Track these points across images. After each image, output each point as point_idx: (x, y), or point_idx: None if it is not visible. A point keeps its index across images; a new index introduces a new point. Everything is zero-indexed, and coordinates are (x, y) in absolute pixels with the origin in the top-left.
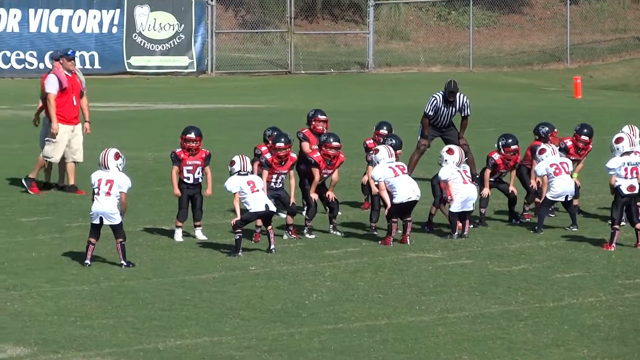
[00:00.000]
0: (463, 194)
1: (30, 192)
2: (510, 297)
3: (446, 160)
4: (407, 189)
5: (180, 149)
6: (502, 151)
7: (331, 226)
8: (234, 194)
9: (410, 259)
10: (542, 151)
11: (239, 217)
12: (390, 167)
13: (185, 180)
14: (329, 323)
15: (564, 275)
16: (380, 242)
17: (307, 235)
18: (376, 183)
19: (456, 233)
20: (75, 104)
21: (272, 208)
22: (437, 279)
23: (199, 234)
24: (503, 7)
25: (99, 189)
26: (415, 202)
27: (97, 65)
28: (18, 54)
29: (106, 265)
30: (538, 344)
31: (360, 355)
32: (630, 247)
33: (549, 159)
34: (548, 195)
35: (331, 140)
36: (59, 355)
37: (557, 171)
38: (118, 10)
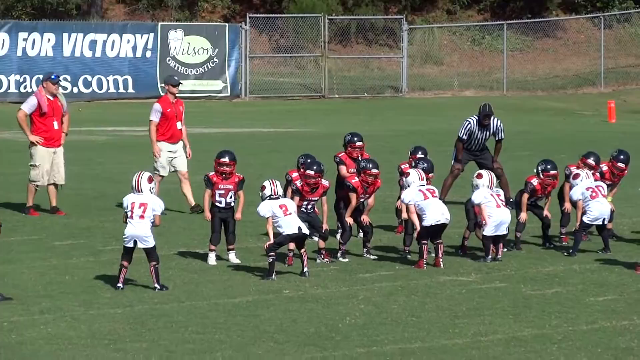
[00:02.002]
0: (497, 218)
1: (30, 216)
2: (544, 321)
3: (477, 185)
4: (436, 212)
5: (214, 173)
6: (541, 176)
7: (365, 250)
8: (267, 218)
9: (444, 282)
10: (577, 176)
11: (272, 241)
12: (420, 190)
13: (217, 204)
14: (363, 346)
15: (597, 298)
16: (414, 265)
17: (341, 259)
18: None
19: (490, 256)
20: (56, 127)
21: (305, 231)
22: (470, 302)
23: (233, 258)
24: (537, 32)
25: (132, 212)
26: (444, 225)
27: (130, 89)
28: None
29: (139, 289)
30: None
31: None
32: None
33: (584, 183)
34: (585, 219)
35: (370, 166)
36: None
37: (594, 194)
38: (152, 35)
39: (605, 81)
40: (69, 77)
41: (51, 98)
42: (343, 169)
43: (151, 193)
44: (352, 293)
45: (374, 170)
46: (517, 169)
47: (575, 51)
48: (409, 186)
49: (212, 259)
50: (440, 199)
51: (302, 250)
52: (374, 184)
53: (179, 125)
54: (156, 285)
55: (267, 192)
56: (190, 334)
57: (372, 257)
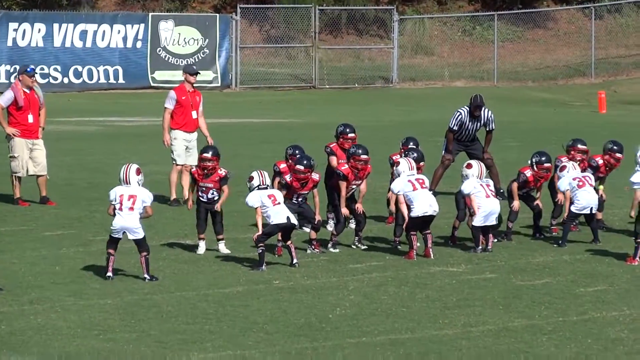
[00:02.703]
0: (486, 208)
1: (20, 206)
2: (534, 311)
3: (466, 175)
4: (424, 204)
5: (196, 168)
6: (535, 168)
7: (356, 239)
8: (256, 208)
9: (434, 273)
10: (563, 168)
11: (261, 232)
12: (409, 180)
13: (200, 198)
14: (353, 337)
15: (587, 289)
16: (404, 256)
17: (332, 250)
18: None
19: (480, 247)
20: (32, 120)
21: (294, 221)
22: (460, 293)
23: (222, 248)
24: (527, 22)
25: (121, 204)
26: (432, 217)
27: (121, 80)
28: (42, 69)
29: (129, 279)
30: (561, 358)
31: None
32: None
33: (570, 174)
34: (572, 209)
35: (360, 152)
36: None
37: (581, 184)
38: (142, 25)
39: (596, 72)
40: (59, 68)
41: (27, 91)
42: (334, 159)
43: (139, 185)
44: (342, 284)
45: (364, 156)
46: (507, 159)
47: (565, 42)
48: (399, 175)
49: (201, 248)
50: (430, 189)
51: (289, 242)
52: (364, 169)
53: (194, 114)
54: (146, 275)
55: (256, 182)
56: (180, 325)
57: (363, 247)
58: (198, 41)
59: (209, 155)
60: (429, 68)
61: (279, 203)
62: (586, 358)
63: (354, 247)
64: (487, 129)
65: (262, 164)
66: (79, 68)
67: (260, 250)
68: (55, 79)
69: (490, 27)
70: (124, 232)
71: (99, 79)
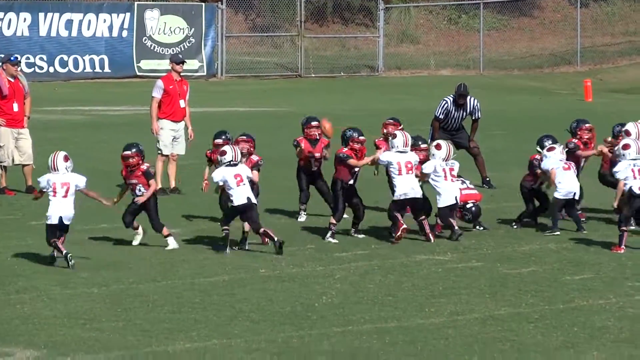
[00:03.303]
0: (445, 189)
1: (6, 195)
2: (520, 299)
3: (433, 155)
4: (405, 186)
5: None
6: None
7: (353, 229)
8: (218, 185)
9: (420, 261)
10: (551, 149)
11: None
12: (398, 162)
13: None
14: (339, 325)
15: (573, 277)
16: (393, 237)
17: (330, 239)
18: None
19: (456, 229)
20: (17, 109)
21: (254, 200)
22: (446, 281)
23: (172, 243)
24: (513, 11)
25: (55, 191)
26: (416, 200)
27: (107, 69)
28: (28, 58)
29: (116, 269)
30: (548, 346)
31: (369, 358)
32: None
33: (557, 155)
34: (556, 195)
35: (356, 135)
36: (68, 358)
37: (566, 166)
38: (128, 14)
39: (582, 60)
40: (45, 57)
41: (12, 80)
42: (300, 152)
43: (67, 171)
44: (328, 272)
45: (362, 138)
46: (494, 147)
47: (551, 30)
48: (392, 148)
49: (135, 240)
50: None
51: (261, 230)
52: (361, 150)
53: (182, 103)
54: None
55: (228, 157)
56: (166, 314)
57: (361, 236)
58: (184, 30)
59: (129, 152)
60: (414, 57)
61: (244, 184)
62: (572, 346)
63: (351, 236)
64: (473, 118)
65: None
66: (65, 57)
67: (225, 234)
68: (41, 68)
69: (476, 16)
70: (61, 217)
71: (84, 68)
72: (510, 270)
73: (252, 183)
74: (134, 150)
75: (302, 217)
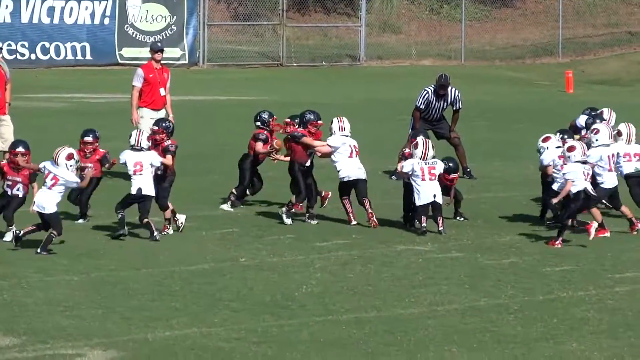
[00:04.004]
0: (424, 189)
1: None
2: (500, 290)
3: (412, 154)
4: (352, 168)
5: (6, 161)
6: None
7: (307, 215)
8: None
9: (400, 252)
10: (547, 139)
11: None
12: (345, 145)
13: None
14: (319, 315)
15: (554, 268)
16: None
17: (285, 218)
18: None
19: (423, 225)
20: (0, 95)
21: (147, 192)
22: (426, 272)
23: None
24: (495, 1)
25: (45, 180)
26: (361, 180)
27: (88, 57)
28: (10, 44)
29: (96, 256)
30: (527, 337)
31: (349, 348)
32: (620, 240)
33: (554, 151)
34: (555, 187)
35: (314, 118)
36: (48, 346)
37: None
38: (110, 2)
39: (563, 51)
40: (26, 44)
41: None
42: (260, 144)
43: (67, 169)
44: (308, 261)
45: (320, 122)
46: (475, 138)
47: (533, 21)
48: (333, 134)
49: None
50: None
51: (144, 221)
52: (317, 134)
53: (162, 91)
54: (42, 251)
55: (132, 141)
56: (146, 302)
57: (314, 222)
58: (165, 18)
59: (20, 149)
60: (396, 46)
61: (140, 173)
62: (552, 337)
63: (306, 222)
64: (454, 108)
65: (230, 139)
66: (46, 44)
67: (120, 217)
68: (23, 55)
69: (457, 6)
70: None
71: (66, 55)
72: (490, 261)
73: (166, 168)
74: (23, 146)
75: (289, 220)
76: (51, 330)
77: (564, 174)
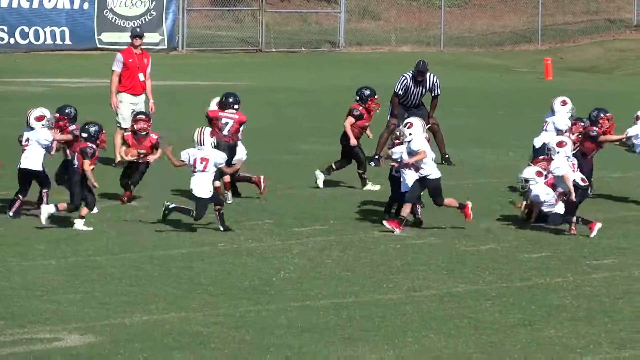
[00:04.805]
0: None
1: None
2: (478, 277)
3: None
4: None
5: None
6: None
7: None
8: None
9: (378, 237)
10: (561, 144)
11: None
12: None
13: None
14: (296, 300)
15: (531, 255)
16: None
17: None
18: None
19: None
20: None
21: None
22: (404, 258)
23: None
24: None
25: (195, 166)
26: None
27: (67, 41)
28: None
29: (74, 241)
30: (505, 324)
31: (326, 333)
32: (599, 228)
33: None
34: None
35: (370, 93)
36: (25, 330)
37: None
38: None
39: (543, 38)
40: (5, 28)
41: None
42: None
43: (211, 147)
44: (286, 247)
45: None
46: (454, 125)
47: (512, 8)
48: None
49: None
50: (375, 153)
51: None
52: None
53: (141, 76)
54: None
55: (195, 138)
56: (124, 287)
57: (229, 201)
58: (145, 3)
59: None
60: (375, 33)
61: (207, 171)
62: (530, 324)
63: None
64: (433, 95)
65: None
66: (26, 29)
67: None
68: (2, 39)
69: None
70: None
71: (45, 39)
72: (468, 247)
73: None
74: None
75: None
76: (28, 314)
77: (553, 170)
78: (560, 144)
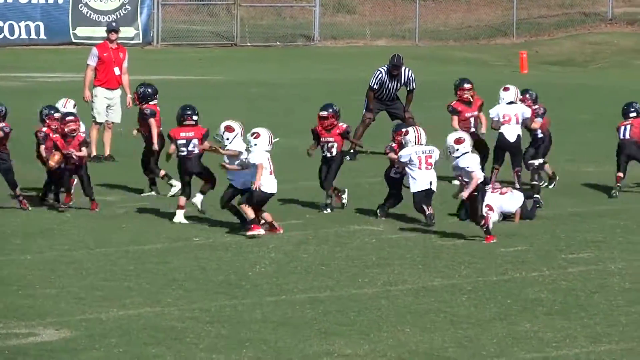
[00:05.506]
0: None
1: None
2: (454, 271)
3: (405, 143)
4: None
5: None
6: None
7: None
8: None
9: (354, 232)
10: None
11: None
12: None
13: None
14: (272, 295)
15: (507, 249)
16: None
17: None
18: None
19: (429, 214)
20: None
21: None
22: (380, 252)
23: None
24: None
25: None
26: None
27: (42, 36)
28: None
29: (50, 236)
30: (481, 318)
31: (302, 327)
32: (574, 221)
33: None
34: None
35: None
36: (1, 325)
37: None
38: None
39: (518, 32)
40: None
41: None
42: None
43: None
44: (262, 241)
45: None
46: (429, 119)
47: (488, 1)
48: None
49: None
50: (351, 149)
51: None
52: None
53: (116, 71)
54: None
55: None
56: (100, 281)
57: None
58: None
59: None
60: (350, 26)
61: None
62: (505, 318)
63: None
64: (408, 89)
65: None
66: (0, 23)
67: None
68: None
69: None
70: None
71: (20, 34)
72: (444, 241)
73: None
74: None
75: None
76: (4, 309)
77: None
78: (458, 141)
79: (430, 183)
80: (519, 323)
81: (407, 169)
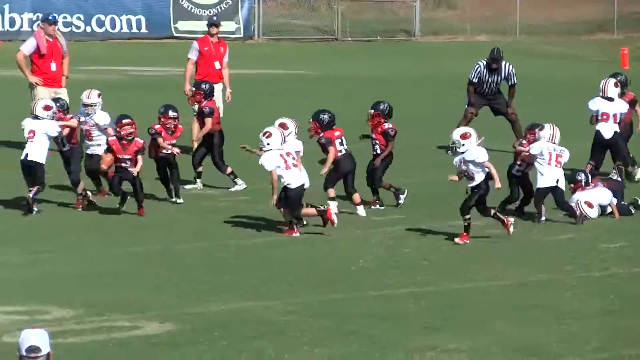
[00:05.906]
0: (548, 174)
1: None
2: (557, 266)
3: (538, 137)
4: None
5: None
6: None
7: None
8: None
9: (453, 227)
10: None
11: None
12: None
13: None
14: (375, 289)
15: (609, 245)
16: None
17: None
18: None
19: (542, 219)
20: (55, 69)
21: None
22: (481, 247)
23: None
24: None
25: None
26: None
27: (143, 30)
28: (65, 17)
29: (151, 229)
30: (585, 313)
31: (405, 322)
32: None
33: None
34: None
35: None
36: (104, 318)
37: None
38: None
39: (619, 27)
40: (82, 17)
41: (50, 39)
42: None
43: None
44: (364, 236)
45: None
46: (526, 114)
47: None
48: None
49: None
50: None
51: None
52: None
53: (217, 65)
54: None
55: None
56: (202, 275)
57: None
58: None
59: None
60: (451, 22)
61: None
62: (610, 313)
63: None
64: (509, 84)
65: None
66: (102, 17)
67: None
68: (78, 27)
69: None
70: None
71: (121, 28)
72: (547, 237)
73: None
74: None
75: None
76: (108, 302)
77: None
78: (464, 136)
79: (557, 180)
80: (623, 318)
81: (535, 163)
